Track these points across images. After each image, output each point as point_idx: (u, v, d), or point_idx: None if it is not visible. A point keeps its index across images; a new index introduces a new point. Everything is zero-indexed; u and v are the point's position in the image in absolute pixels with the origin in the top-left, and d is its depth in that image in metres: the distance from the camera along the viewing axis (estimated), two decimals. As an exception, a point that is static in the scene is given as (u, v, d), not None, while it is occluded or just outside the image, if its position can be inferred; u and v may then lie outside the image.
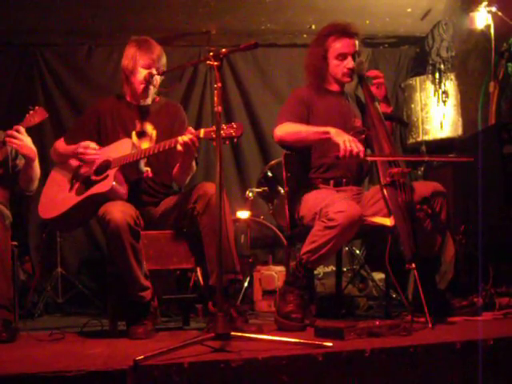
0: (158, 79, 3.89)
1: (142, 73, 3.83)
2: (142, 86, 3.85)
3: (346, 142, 3.48)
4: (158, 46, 3.89)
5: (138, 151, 3.63)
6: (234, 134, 3.15)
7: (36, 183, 3.96)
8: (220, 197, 2.86)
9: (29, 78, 6.51)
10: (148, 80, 3.82)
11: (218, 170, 2.86)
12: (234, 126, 3.17)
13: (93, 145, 3.73)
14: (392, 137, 3.84)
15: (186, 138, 3.43)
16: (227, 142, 3.21)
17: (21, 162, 3.92)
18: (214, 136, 3.09)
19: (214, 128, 3.11)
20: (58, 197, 3.74)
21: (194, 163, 3.79)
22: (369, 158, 3.59)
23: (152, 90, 3.92)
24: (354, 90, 4.18)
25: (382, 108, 3.91)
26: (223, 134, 3.14)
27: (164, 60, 3.90)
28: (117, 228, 3.32)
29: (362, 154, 3.48)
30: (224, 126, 3.16)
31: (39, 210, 3.79)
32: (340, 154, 3.47)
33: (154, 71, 3.82)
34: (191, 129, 3.51)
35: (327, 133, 3.60)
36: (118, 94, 4.04)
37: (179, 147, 3.45)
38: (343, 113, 3.95)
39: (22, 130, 3.74)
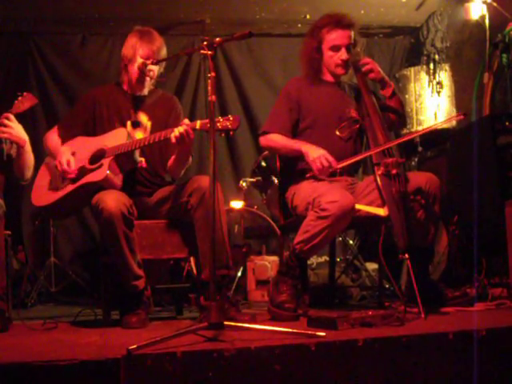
0: (155, 70, 3.88)
1: (139, 62, 3.83)
2: (137, 76, 3.85)
3: (316, 160, 3.59)
4: (160, 39, 3.90)
5: (134, 141, 3.62)
6: (230, 126, 3.14)
7: (30, 171, 3.92)
8: (214, 189, 2.85)
9: (22, 67, 6.48)
10: (142, 69, 3.81)
11: (212, 161, 2.85)
12: (231, 118, 3.16)
13: (72, 160, 3.70)
14: (387, 126, 3.84)
15: (181, 129, 3.42)
16: (223, 134, 3.21)
17: (14, 150, 3.89)
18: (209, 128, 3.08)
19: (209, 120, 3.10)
20: (51, 184, 3.74)
21: (189, 156, 3.79)
22: (340, 165, 3.64)
23: (148, 81, 3.91)
24: (351, 79, 4.16)
25: (383, 92, 3.94)
26: (219, 127, 3.13)
27: (164, 52, 3.89)
28: (110, 216, 3.32)
29: (334, 165, 3.60)
30: (220, 119, 3.15)
31: (32, 198, 3.78)
32: (315, 172, 3.61)
33: (148, 61, 3.81)
34: (187, 120, 3.50)
35: (300, 151, 3.72)
36: (117, 81, 4.04)
37: (173, 139, 3.45)
38: (337, 103, 3.95)
39: (12, 117, 3.71)
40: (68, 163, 3.66)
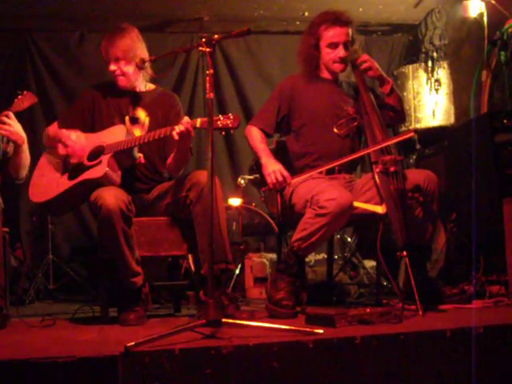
0: (126, 70, 3.83)
1: (111, 66, 3.84)
2: (116, 78, 3.85)
3: (271, 174, 3.69)
4: (127, 38, 3.83)
5: (133, 138, 3.61)
6: (230, 125, 3.15)
7: (26, 171, 3.90)
8: (212, 185, 2.84)
9: (20, 64, 6.48)
10: (140, 66, 3.77)
11: (210, 158, 2.84)
12: (231, 117, 3.16)
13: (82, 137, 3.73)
14: (385, 123, 3.84)
15: (182, 127, 3.43)
16: (223, 133, 3.21)
17: (11, 148, 3.88)
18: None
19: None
20: (49, 180, 3.73)
21: (189, 154, 3.79)
22: (294, 181, 3.72)
23: (133, 79, 3.86)
24: (348, 77, 4.17)
25: (382, 89, 3.95)
26: (220, 125, 3.13)
27: (137, 50, 3.82)
28: (109, 213, 3.31)
29: (288, 180, 3.69)
30: (221, 117, 3.15)
31: (30, 193, 3.77)
32: (270, 186, 3.73)
33: (111, 66, 3.82)
34: (187, 118, 3.50)
35: (260, 160, 3.87)
36: None
37: (175, 136, 3.45)
38: (335, 100, 3.95)
39: (12, 115, 3.70)
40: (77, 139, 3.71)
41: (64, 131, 3.76)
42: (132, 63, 3.80)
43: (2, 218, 3.56)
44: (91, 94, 3.96)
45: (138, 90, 3.93)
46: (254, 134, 3.96)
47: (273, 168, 3.71)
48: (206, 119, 3.27)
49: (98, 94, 3.93)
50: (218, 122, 3.13)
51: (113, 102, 3.91)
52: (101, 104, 3.90)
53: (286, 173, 3.69)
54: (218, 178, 3.54)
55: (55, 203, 3.71)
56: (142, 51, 3.85)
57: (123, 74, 3.83)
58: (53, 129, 3.91)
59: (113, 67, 3.83)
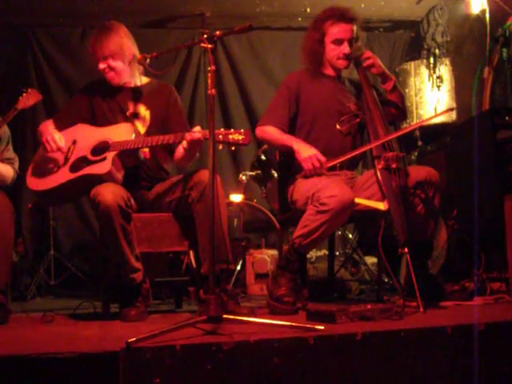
0: (114, 65, 3.80)
1: (100, 64, 3.80)
2: (106, 75, 3.84)
3: (307, 160, 3.61)
4: (114, 36, 3.80)
5: (141, 139, 3.59)
6: (241, 141, 3.09)
7: (8, 179, 3.88)
8: (213, 184, 2.84)
9: (22, 60, 6.48)
10: (141, 63, 3.76)
11: (211, 155, 2.84)
12: (243, 132, 3.08)
13: (57, 136, 3.70)
14: (387, 120, 3.84)
15: (194, 135, 3.46)
16: (233, 148, 3.19)
17: None
18: (221, 139, 3.04)
19: (222, 131, 3.06)
20: (49, 170, 3.70)
21: (196, 153, 3.79)
22: (330, 165, 3.67)
23: (123, 74, 3.85)
24: (351, 74, 4.16)
25: (384, 86, 3.96)
26: (230, 139, 3.09)
27: (124, 45, 3.81)
28: (107, 209, 3.31)
29: (325, 165, 3.62)
30: (232, 131, 3.10)
31: (27, 180, 3.72)
32: (306, 172, 3.64)
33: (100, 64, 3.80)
34: (198, 127, 3.52)
35: (291, 147, 3.72)
36: None
37: (184, 144, 3.49)
38: (338, 97, 3.95)
39: None
40: (55, 141, 3.66)
41: (49, 130, 3.75)
42: (120, 59, 3.80)
43: (15, 215, 3.56)
44: (88, 93, 3.94)
45: (133, 84, 3.93)
46: (270, 130, 3.88)
47: (308, 153, 3.63)
48: (217, 131, 3.09)
49: (96, 92, 3.92)
50: (230, 136, 3.08)
51: (111, 99, 3.89)
52: (100, 102, 3.88)
53: (322, 158, 3.62)
54: (219, 175, 3.54)
55: (54, 194, 3.67)
56: (130, 47, 3.84)
57: (112, 68, 3.80)
58: (45, 124, 3.90)
59: (101, 66, 3.80)
